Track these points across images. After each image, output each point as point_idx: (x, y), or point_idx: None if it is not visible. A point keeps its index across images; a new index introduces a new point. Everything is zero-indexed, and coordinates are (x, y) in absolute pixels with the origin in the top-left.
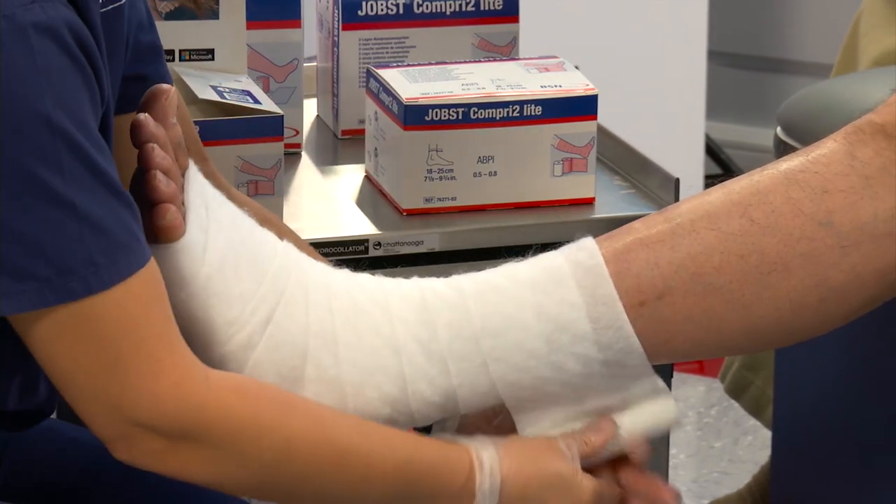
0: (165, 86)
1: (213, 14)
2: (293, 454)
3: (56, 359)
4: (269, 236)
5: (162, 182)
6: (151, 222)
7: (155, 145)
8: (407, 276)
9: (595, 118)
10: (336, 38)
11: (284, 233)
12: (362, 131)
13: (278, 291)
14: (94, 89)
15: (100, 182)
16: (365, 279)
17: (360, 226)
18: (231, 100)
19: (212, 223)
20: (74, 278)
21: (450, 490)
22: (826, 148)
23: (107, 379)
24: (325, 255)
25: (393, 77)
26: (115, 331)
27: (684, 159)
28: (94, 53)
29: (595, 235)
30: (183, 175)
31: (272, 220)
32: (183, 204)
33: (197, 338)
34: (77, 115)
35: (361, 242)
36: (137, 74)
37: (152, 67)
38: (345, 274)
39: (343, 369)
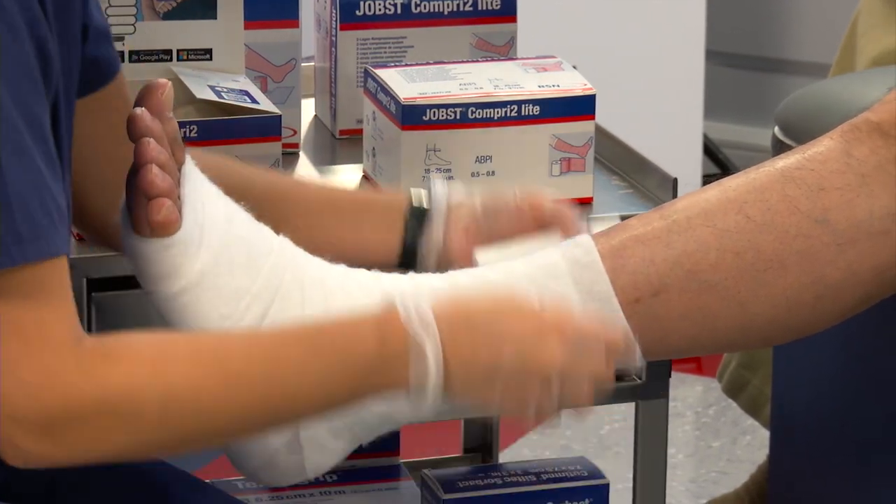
0: (161, 80)
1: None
2: (179, 401)
3: None
4: (265, 231)
5: (158, 176)
6: (147, 216)
7: (151, 139)
8: (403, 273)
9: (593, 118)
10: (334, 38)
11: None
12: (360, 131)
13: (273, 287)
14: (33, 60)
15: (29, 160)
16: (361, 275)
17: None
18: (229, 100)
19: (207, 218)
20: None
21: (370, 343)
22: (822, 146)
23: None
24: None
25: (391, 77)
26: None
27: (682, 159)
28: (40, 26)
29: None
30: (179, 170)
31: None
32: (179, 198)
33: None
34: (14, 87)
35: None
36: (89, 57)
37: (104, 49)
38: (341, 270)
39: None
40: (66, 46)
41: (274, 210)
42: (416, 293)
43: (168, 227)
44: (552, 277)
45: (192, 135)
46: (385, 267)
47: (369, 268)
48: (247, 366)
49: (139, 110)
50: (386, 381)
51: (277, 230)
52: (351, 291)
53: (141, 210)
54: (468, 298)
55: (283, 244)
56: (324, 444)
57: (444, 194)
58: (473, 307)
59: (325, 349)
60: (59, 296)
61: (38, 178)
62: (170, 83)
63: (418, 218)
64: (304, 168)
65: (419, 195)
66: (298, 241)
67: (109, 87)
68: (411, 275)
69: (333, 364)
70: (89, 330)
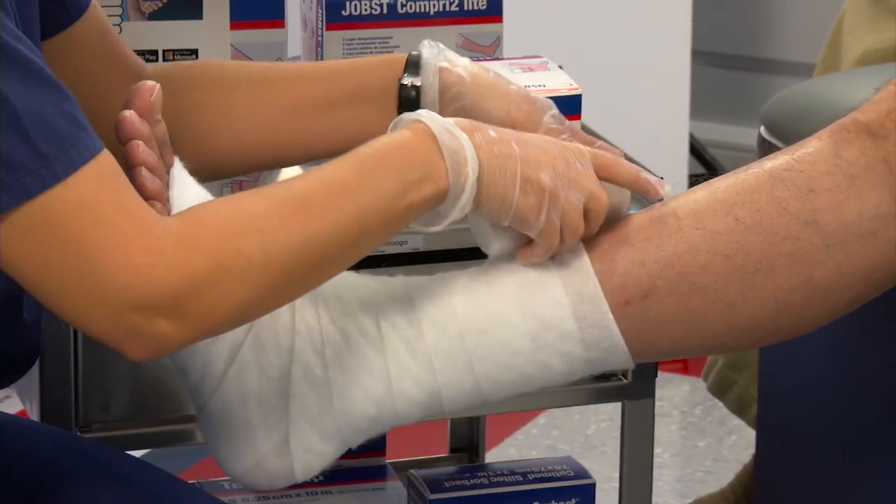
0: (150, 83)
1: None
2: (275, 237)
3: (27, 265)
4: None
5: (147, 179)
6: None
7: (140, 142)
8: (391, 276)
9: (579, 118)
10: (320, 38)
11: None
12: None
13: None
14: None
15: (30, 73)
16: (350, 277)
17: None
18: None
19: None
20: (26, 174)
21: (410, 149)
22: (811, 147)
23: (81, 269)
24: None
25: None
26: (75, 219)
27: (668, 159)
28: None
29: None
30: (168, 172)
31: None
32: (168, 201)
33: None
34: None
35: None
36: None
37: None
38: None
39: (328, 369)
40: None
41: (266, 81)
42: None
43: None
44: (542, 279)
45: None
46: None
47: None
48: (315, 195)
49: (128, 113)
50: (432, 185)
51: (274, 95)
52: (342, 295)
53: None
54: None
55: None
56: (313, 448)
57: (434, 69)
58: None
59: (377, 169)
60: (120, 182)
61: (45, 84)
62: (158, 85)
63: (411, 97)
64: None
65: (412, 66)
66: (299, 102)
67: (77, 25)
68: (400, 277)
69: (386, 181)
70: (74, 330)
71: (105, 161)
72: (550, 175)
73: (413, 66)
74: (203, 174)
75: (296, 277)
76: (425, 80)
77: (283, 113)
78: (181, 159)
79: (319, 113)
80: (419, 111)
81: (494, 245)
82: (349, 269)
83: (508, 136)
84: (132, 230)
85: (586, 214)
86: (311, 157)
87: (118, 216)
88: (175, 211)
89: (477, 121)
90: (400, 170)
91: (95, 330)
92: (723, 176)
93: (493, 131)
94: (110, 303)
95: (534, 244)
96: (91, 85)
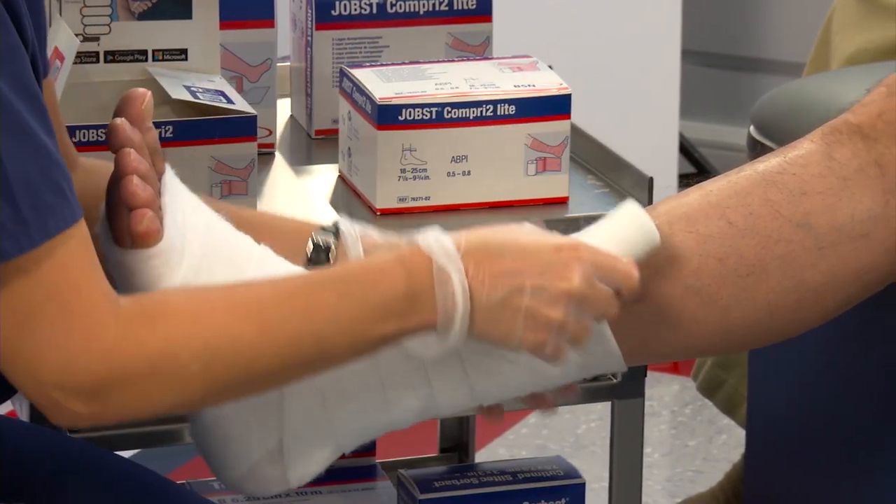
0: (141, 90)
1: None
2: (219, 352)
3: None
4: (245, 240)
5: (139, 187)
6: (128, 227)
7: (131, 150)
8: None
9: (568, 117)
10: (309, 38)
11: (263, 231)
12: (336, 131)
13: None
14: (16, 35)
15: (24, 136)
16: None
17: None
18: (204, 100)
19: (188, 228)
20: (5, 236)
21: (398, 279)
22: (803, 149)
23: (25, 340)
24: None
25: (366, 77)
26: (36, 290)
27: (658, 158)
28: (19, 7)
29: (569, 235)
30: (160, 179)
31: (248, 220)
32: (160, 209)
33: None
34: (7, 68)
35: None
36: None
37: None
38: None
39: (322, 377)
40: (40, 25)
41: None
42: (436, 231)
43: (150, 238)
44: None
45: (168, 135)
46: None
47: None
48: (280, 313)
49: (119, 120)
50: (414, 318)
51: None
52: None
53: (122, 221)
54: (486, 230)
55: (264, 252)
56: (306, 454)
57: (353, 231)
58: (493, 236)
59: (354, 291)
60: (85, 259)
61: (41, 154)
62: (149, 93)
63: (322, 249)
64: (280, 168)
65: (328, 227)
66: None
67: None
68: None
69: (363, 305)
70: None
71: (78, 234)
72: (565, 308)
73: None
74: None
75: (232, 388)
76: (349, 244)
77: None
78: None
79: None
80: (432, 231)
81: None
82: None
83: (525, 261)
84: (80, 312)
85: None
86: None
87: (71, 296)
88: (168, 218)
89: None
90: (380, 299)
91: (22, 391)
92: (714, 178)
93: (507, 260)
94: (37, 377)
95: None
96: None
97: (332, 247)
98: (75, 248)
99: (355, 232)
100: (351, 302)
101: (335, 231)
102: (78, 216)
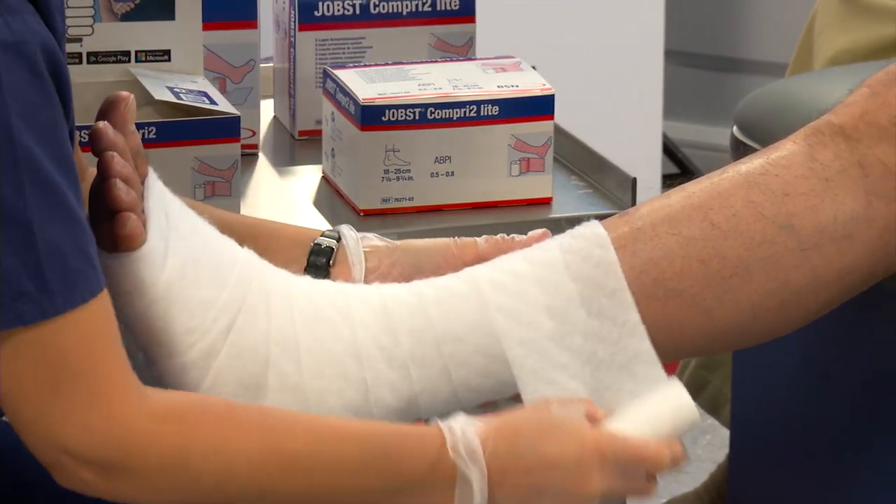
0: (124, 93)
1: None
2: (236, 475)
3: (0, 378)
4: (229, 243)
5: (122, 190)
6: (112, 231)
7: (114, 153)
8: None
9: (552, 118)
10: (292, 39)
11: (262, 236)
12: (319, 132)
13: (239, 299)
14: (60, 107)
15: (59, 205)
16: (326, 285)
17: (317, 226)
18: (187, 101)
19: (172, 231)
20: (28, 302)
21: (422, 465)
22: (786, 150)
23: (43, 406)
24: None
25: (350, 77)
26: (59, 359)
27: (641, 159)
28: (61, 67)
29: (552, 235)
30: (143, 183)
31: (247, 226)
32: (143, 212)
33: (157, 347)
34: (42, 134)
35: None
36: None
37: None
38: (306, 280)
39: (305, 377)
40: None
41: None
42: (465, 419)
43: (133, 241)
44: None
45: (151, 136)
46: None
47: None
48: (308, 456)
49: (102, 124)
50: (429, 501)
51: None
52: (317, 303)
53: (105, 225)
54: (514, 422)
55: (248, 256)
56: None
57: (354, 236)
58: (519, 433)
59: (381, 456)
60: (110, 332)
61: (70, 218)
62: (132, 96)
63: (322, 254)
64: (264, 169)
65: (330, 233)
66: None
67: None
68: (376, 284)
69: (386, 473)
70: None
71: (103, 304)
72: None
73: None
74: None
75: None
76: (350, 249)
77: None
78: None
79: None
80: (459, 421)
81: None
82: (321, 276)
83: (548, 468)
84: (106, 393)
85: None
86: None
87: (100, 374)
88: (151, 222)
89: (521, 445)
90: (403, 477)
91: (34, 451)
92: (697, 180)
93: (530, 465)
94: (52, 442)
95: None
96: None
97: (334, 249)
98: (101, 319)
99: (356, 236)
100: (377, 465)
101: (337, 237)
102: (101, 285)
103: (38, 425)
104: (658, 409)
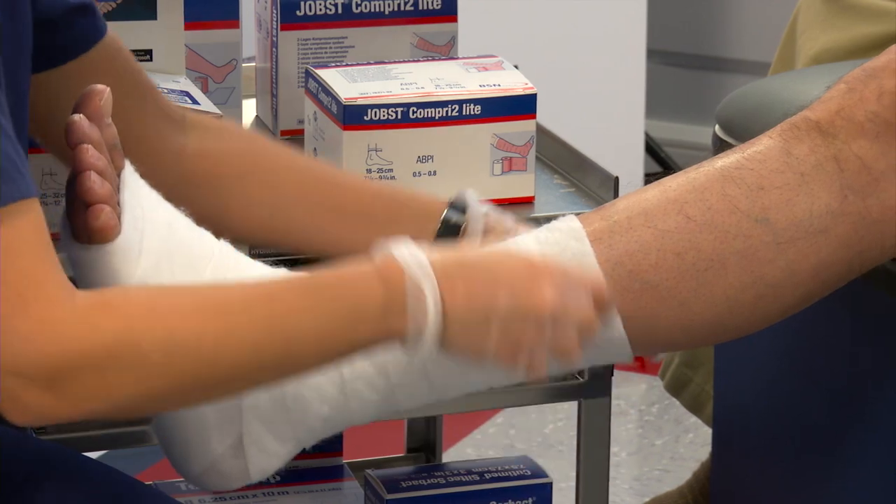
0: (100, 86)
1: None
2: (182, 346)
3: None
4: (205, 236)
5: (96, 183)
6: (86, 223)
7: (89, 146)
8: None
9: (534, 117)
10: (275, 39)
11: (394, 205)
12: (302, 131)
13: None
14: None
15: None
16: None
17: None
18: (170, 100)
19: (147, 224)
20: None
21: (370, 289)
22: (762, 145)
23: None
24: (264, 255)
25: (332, 77)
26: None
27: (624, 158)
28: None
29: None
30: (119, 175)
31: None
32: (118, 205)
33: None
34: None
35: None
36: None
37: (79, 21)
38: (281, 273)
39: None
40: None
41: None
42: (408, 245)
43: (107, 234)
44: None
45: None
46: None
47: None
48: (247, 313)
49: (77, 117)
50: (384, 328)
51: (304, 221)
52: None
53: (80, 217)
54: (457, 249)
55: (223, 248)
56: (267, 448)
57: (479, 212)
58: (467, 254)
59: (325, 296)
60: (40, 244)
61: None
62: (108, 89)
63: (451, 230)
64: None
65: (458, 204)
66: (326, 238)
67: (91, 54)
68: None
69: (333, 311)
70: None
71: (33, 211)
72: (536, 325)
73: (458, 208)
74: (213, 229)
75: (196, 387)
76: (470, 224)
77: (331, 209)
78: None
79: (362, 220)
80: (405, 245)
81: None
82: (301, 269)
83: (498, 279)
84: (36, 295)
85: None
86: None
87: (26, 277)
88: (126, 214)
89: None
90: (351, 306)
91: None
92: (674, 175)
93: (481, 275)
94: None
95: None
96: (120, 109)
97: (462, 225)
98: (31, 224)
99: (479, 210)
100: (322, 309)
101: (463, 208)
102: (33, 194)
103: None
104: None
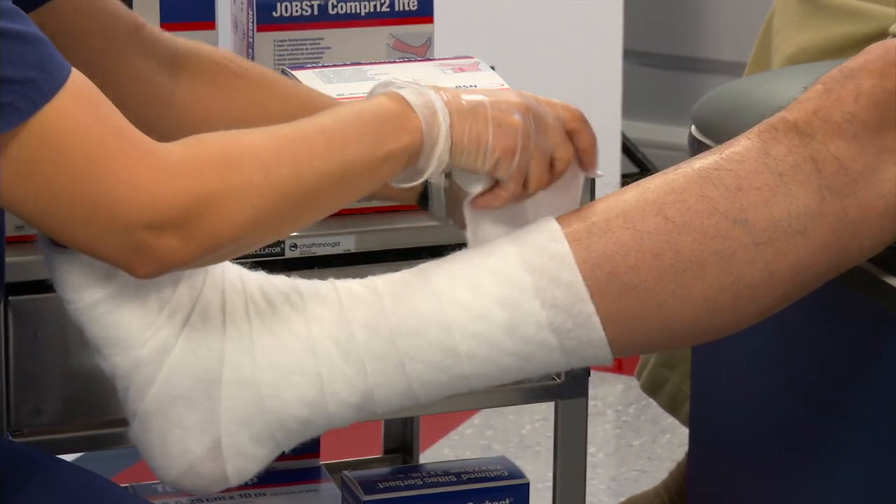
0: None
1: None
2: (271, 163)
3: (34, 201)
4: None
5: None
6: None
7: None
8: (323, 278)
9: None
10: (251, 40)
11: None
12: None
13: (194, 295)
14: None
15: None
16: (280, 281)
17: None
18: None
19: None
20: (18, 97)
21: (387, 111)
22: (740, 146)
23: (90, 196)
24: (240, 257)
25: (308, 78)
26: (75, 140)
27: (600, 158)
28: None
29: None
30: None
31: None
32: None
33: (113, 341)
34: None
35: (277, 244)
36: None
37: None
38: (260, 276)
39: (259, 371)
40: None
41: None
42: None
43: None
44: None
45: None
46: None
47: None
48: (304, 136)
49: None
50: (407, 135)
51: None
52: (272, 298)
53: None
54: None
55: None
56: (245, 451)
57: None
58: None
59: (351, 119)
60: (109, 106)
61: (24, 20)
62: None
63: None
64: None
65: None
66: None
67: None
68: (331, 280)
69: (363, 127)
70: (5, 335)
71: (82, 79)
72: (523, 116)
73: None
74: None
75: (291, 205)
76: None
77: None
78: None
79: None
80: (388, 80)
81: (473, 187)
82: (281, 272)
83: (476, 90)
84: (134, 151)
85: (551, 164)
86: None
87: (118, 138)
88: None
89: None
90: (377, 122)
91: (105, 252)
92: (652, 176)
93: (461, 90)
94: (121, 223)
95: (497, 188)
96: (101, 62)
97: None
98: (96, 92)
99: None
100: (355, 128)
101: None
102: (70, 66)
103: (104, 214)
104: None
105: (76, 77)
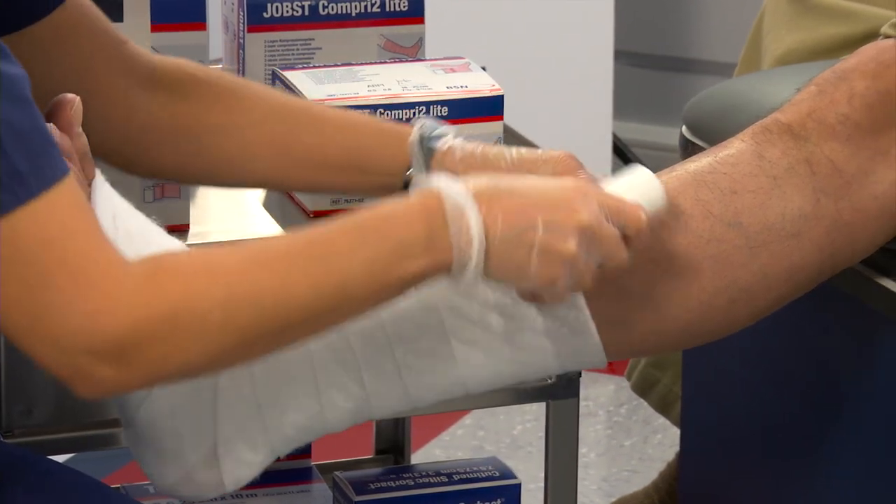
0: (70, 95)
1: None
2: (240, 300)
3: None
4: (177, 244)
5: None
6: None
7: None
8: None
9: (501, 118)
10: (241, 41)
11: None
12: None
13: None
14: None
15: (9, 89)
16: None
17: (267, 228)
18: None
19: (120, 232)
20: (1, 189)
21: (412, 219)
22: (734, 148)
23: (39, 309)
24: None
25: (299, 79)
26: (42, 247)
27: (591, 159)
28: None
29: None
30: (90, 184)
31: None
32: None
33: None
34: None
35: None
36: None
37: None
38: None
39: (256, 379)
40: None
41: (286, 123)
42: (445, 177)
43: None
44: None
45: None
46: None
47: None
48: (297, 260)
49: (48, 126)
50: (430, 260)
51: (290, 142)
52: None
53: None
54: (493, 177)
55: None
56: (241, 457)
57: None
58: (501, 180)
59: (371, 236)
60: (88, 220)
61: (22, 97)
62: (78, 98)
63: (424, 150)
64: None
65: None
66: (312, 156)
67: (52, 17)
68: None
69: (380, 249)
70: None
71: (74, 186)
72: (577, 239)
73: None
74: (188, 180)
75: (258, 340)
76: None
77: (296, 162)
78: (175, 165)
79: (331, 171)
80: (439, 177)
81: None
82: None
83: (534, 199)
84: (94, 272)
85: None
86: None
87: (83, 256)
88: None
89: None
90: (397, 241)
91: (47, 364)
92: None
93: (517, 198)
94: (61, 345)
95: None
96: (82, 78)
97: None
98: (75, 199)
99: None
100: (369, 246)
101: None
102: (66, 167)
103: (44, 331)
104: (630, 184)
105: (66, 183)
